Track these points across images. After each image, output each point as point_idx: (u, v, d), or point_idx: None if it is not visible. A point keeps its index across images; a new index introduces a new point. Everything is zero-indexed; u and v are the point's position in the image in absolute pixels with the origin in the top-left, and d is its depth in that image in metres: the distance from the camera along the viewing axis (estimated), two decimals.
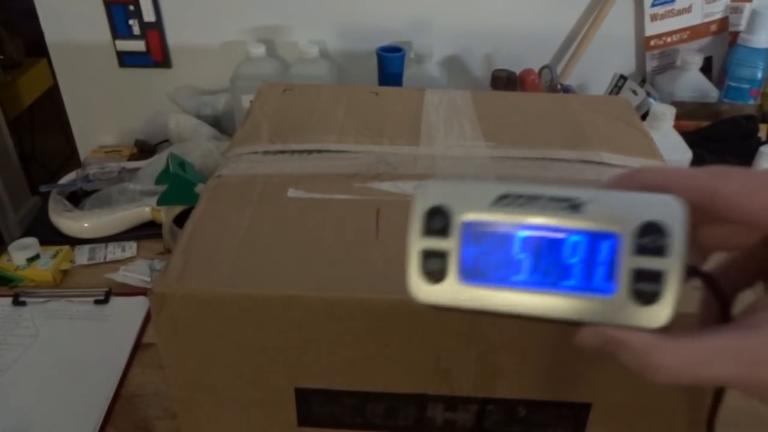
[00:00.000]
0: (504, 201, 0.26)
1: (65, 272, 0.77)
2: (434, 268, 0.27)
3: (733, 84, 1.02)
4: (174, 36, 1.03)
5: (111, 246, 0.81)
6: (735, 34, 1.04)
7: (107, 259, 0.79)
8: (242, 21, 1.03)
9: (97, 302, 0.72)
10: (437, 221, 0.27)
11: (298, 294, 0.40)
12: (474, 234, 0.27)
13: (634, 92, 0.98)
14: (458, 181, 0.28)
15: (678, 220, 0.24)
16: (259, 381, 0.45)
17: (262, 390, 0.45)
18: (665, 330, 0.25)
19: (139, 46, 1.03)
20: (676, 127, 0.84)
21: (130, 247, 0.81)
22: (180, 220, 0.79)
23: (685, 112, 0.94)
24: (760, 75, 1.00)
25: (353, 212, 0.48)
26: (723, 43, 1.06)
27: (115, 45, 1.03)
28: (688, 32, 1.06)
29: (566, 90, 0.98)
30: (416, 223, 0.27)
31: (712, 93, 1.02)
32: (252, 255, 0.43)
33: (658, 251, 0.24)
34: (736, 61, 1.01)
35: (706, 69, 1.06)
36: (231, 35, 1.04)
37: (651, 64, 1.07)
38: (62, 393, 0.61)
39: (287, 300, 0.40)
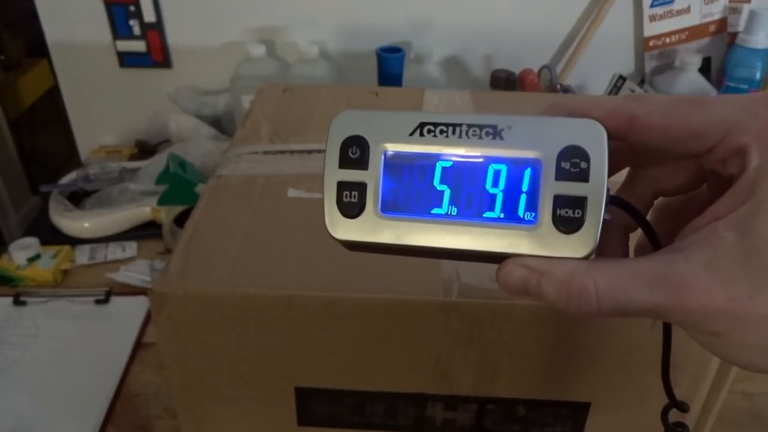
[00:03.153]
0: (423, 130, 0.25)
1: (66, 272, 0.78)
2: (352, 200, 0.26)
3: (731, 84, 1.02)
4: (174, 36, 1.04)
5: (111, 246, 0.81)
6: (734, 35, 1.04)
7: (108, 259, 0.79)
8: (242, 21, 1.03)
9: (97, 302, 0.72)
10: (354, 152, 0.26)
11: (298, 294, 0.41)
12: (393, 165, 0.25)
13: (633, 92, 0.98)
14: (376, 111, 0.26)
15: (598, 143, 0.24)
16: (259, 380, 0.45)
17: (262, 389, 0.45)
18: (589, 260, 0.24)
19: (139, 46, 1.03)
20: None
21: (131, 247, 0.81)
22: (180, 220, 0.79)
23: None
24: (758, 75, 1.00)
25: None
26: (722, 43, 1.06)
27: (115, 45, 1.03)
28: (686, 33, 1.06)
29: (565, 90, 0.98)
30: (332, 154, 0.26)
31: (710, 93, 1.02)
32: (252, 255, 0.43)
33: (579, 176, 0.23)
34: (735, 62, 1.01)
35: (705, 69, 1.06)
36: (231, 35, 1.04)
37: (650, 65, 1.07)
38: (63, 392, 0.61)
39: (287, 300, 0.41)
